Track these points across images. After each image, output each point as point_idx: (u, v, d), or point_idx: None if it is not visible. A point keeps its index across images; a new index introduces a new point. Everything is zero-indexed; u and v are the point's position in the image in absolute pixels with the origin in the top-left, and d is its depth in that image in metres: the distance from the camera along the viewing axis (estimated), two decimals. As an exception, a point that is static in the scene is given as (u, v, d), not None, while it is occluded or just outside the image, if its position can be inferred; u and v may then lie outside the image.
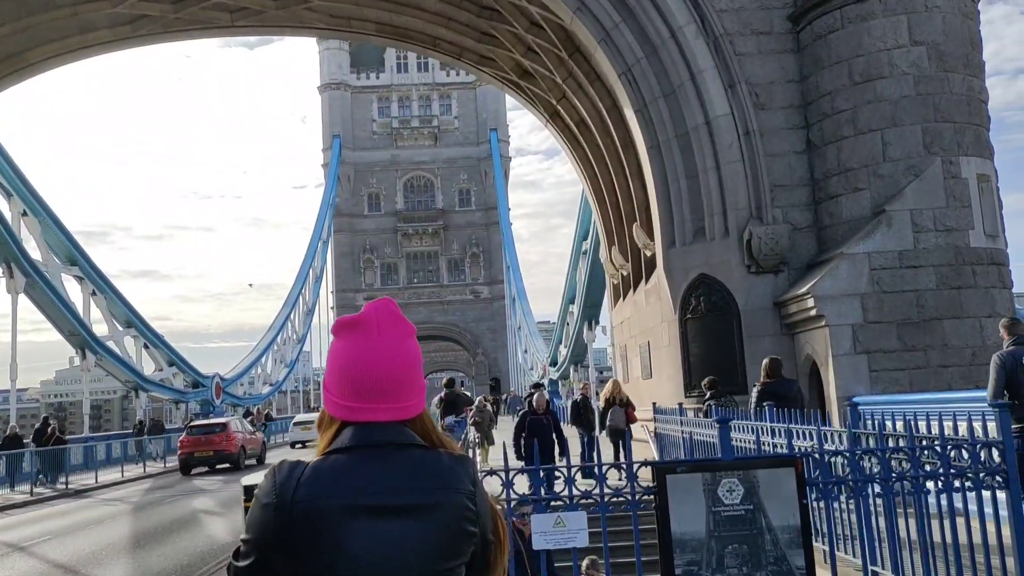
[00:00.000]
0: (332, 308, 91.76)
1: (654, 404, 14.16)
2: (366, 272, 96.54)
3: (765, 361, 11.27)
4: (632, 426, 17.39)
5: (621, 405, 18.53)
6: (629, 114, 16.09)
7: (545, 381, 43.90)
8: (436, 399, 19.17)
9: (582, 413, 16.13)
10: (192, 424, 30.32)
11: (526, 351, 65.47)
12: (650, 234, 16.84)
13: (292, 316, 77.83)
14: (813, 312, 13.09)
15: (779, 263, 14.41)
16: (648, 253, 16.93)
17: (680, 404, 14.12)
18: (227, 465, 26.69)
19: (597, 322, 38.05)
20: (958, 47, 13.67)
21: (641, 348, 17.55)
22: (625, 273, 19.12)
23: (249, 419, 47.60)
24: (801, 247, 14.49)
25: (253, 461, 28.31)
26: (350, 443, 1.68)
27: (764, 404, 10.31)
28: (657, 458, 13.27)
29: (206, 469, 27.14)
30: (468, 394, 23.08)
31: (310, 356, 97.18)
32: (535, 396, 12.48)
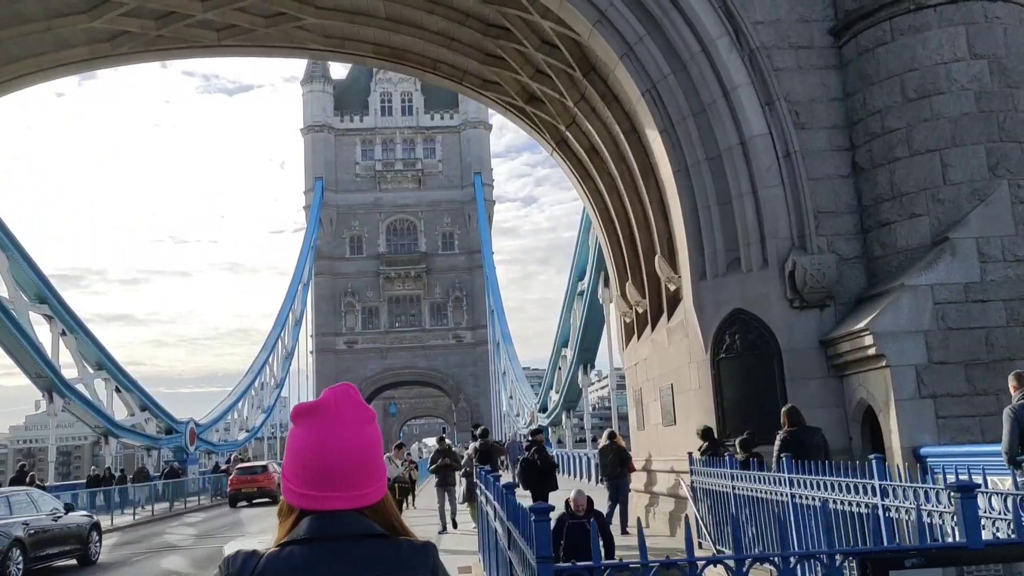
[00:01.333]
0: (312, 352, 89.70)
1: (690, 455, 12.60)
2: (347, 316, 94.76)
3: (784, 410, 10.88)
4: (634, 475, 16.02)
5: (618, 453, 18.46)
6: (653, 135, 14.76)
7: (540, 426, 42.18)
8: (471, 447, 18.02)
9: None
10: (240, 466, 38.36)
11: (511, 397, 63.61)
12: (674, 266, 15.43)
13: (270, 360, 75.74)
14: (872, 351, 11.66)
15: (825, 297, 13.00)
16: (672, 287, 15.50)
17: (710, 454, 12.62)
18: (267, 499, 33.40)
19: (593, 366, 36.52)
20: (1021, 61, 12.48)
21: (663, 392, 16.02)
22: (641, 310, 17.66)
23: (224, 469, 45.48)
24: (848, 280, 13.11)
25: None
26: (306, 534, 1.68)
27: (783, 455, 9.51)
28: (697, 515, 11.69)
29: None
30: (501, 443, 21.73)
31: (287, 401, 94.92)
32: (573, 495, 10.09)
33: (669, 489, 14.73)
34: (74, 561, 16.63)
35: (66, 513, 16.22)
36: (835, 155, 13.46)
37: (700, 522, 11.78)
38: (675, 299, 15.83)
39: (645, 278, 17.36)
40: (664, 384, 15.94)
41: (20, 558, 14.05)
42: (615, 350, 32.13)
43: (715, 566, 3.58)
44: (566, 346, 40.04)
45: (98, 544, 17.52)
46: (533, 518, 4.39)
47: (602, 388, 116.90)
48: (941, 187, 12.21)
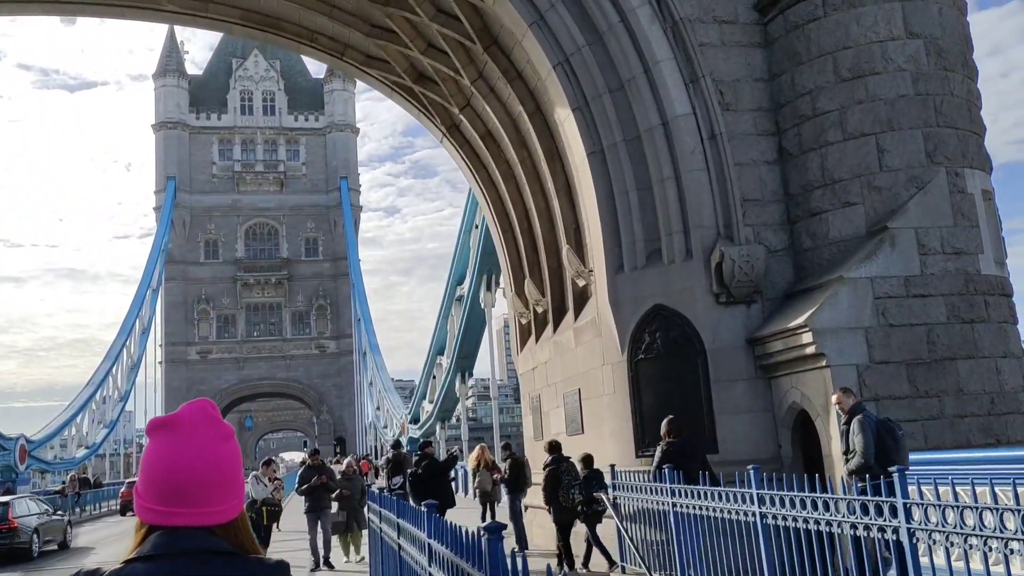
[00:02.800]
0: (161, 363, 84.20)
1: (612, 467, 11.21)
2: (200, 324, 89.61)
3: (665, 421, 10.78)
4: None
5: (488, 468, 18.50)
6: (564, 114, 13.40)
7: (404, 439, 40.16)
8: (383, 460, 16.10)
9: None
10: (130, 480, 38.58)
11: (379, 408, 61.20)
12: (583, 259, 14.09)
13: (114, 371, 70.37)
14: (810, 350, 10.62)
15: (753, 292, 11.94)
16: (580, 283, 14.14)
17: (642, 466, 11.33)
18: None
19: (471, 374, 34.97)
20: (955, 44, 11.84)
21: (567, 398, 14.63)
22: (541, 309, 16.24)
23: (60, 490, 41.19)
24: (775, 274, 12.10)
25: (54, 546, 23.17)
26: (151, 551, 1.64)
27: (664, 466, 9.75)
28: (622, 530, 10.31)
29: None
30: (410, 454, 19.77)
31: (133, 416, 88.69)
32: None
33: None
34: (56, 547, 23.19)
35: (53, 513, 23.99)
36: (760, 140, 12.47)
37: (629, 542, 10.40)
38: (583, 296, 14.50)
39: (546, 274, 15.96)
40: (569, 389, 14.55)
41: (38, 540, 21.68)
42: (496, 358, 30.73)
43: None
44: (442, 354, 38.30)
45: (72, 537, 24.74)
46: (484, 538, 3.73)
47: (468, 399, 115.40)
48: (877, 173, 11.36)
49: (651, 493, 9.49)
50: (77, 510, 39.35)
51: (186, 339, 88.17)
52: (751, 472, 7.84)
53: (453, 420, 41.52)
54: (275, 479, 15.43)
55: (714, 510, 8.26)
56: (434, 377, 40.02)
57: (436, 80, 17.26)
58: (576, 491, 12.41)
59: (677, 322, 12.10)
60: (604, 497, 10.99)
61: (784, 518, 7.43)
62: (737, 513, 8.04)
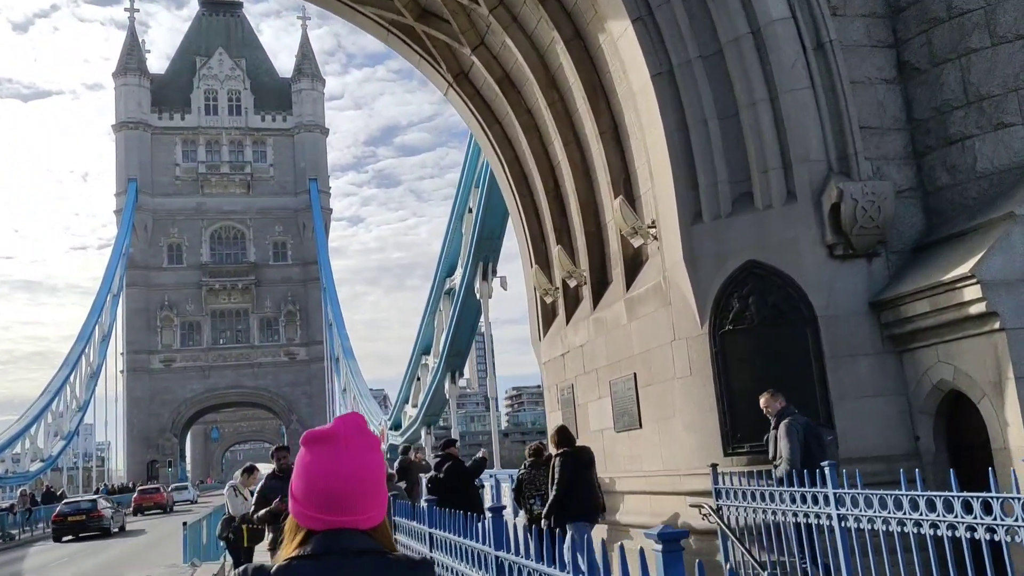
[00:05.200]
0: (122, 371, 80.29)
1: (714, 467, 8.49)
2: (163, 331, 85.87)
3: (556, 429, 10.44)
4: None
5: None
6: (619, 29, 10.72)
7: (384, 447, 37.16)
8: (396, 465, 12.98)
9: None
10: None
11: (354, 416, 58.00)
12: (639, 212, 11.39)
13: (72, 380, 66.56)
14: (976, 309, 8.01)
15: (877, 242, 9.33)
16: (636, 243, 11.43)
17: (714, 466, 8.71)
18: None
19: (461, 374, 32.17)
20: None
21: (615, 386, 11.92)
22: (574, 283, 13.52)
23: (9, 507, 37.80)
24: (900, 221, 9.50)
25: None
26: (314, 550, 1.82)
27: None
28: (738, 559, 7.61)
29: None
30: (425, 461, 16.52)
31: (93, 428, 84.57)
32: None
33: (655, 520, 10.56)
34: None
35: None
36: (876, 52, 9.88)
37: (742, 569, 7.70)
38: (636, 260, 11.80)
39: (580, 240, 13.25)
40: (618, 375, 11.84)
41: None
42: (488, 351, 27.95)
43: None
44: (428, 353, 35.37)
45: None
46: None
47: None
48: (1042, 84, 8.81)
49: (799, 502, 6.78)
50: (27, 529, 35.91)
51: (149, 347, 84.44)
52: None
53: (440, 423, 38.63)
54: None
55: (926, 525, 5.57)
56: (418, 379, 37.13)
57: (443, 16, 14.54)
58: (536, 502, 10.60)
59: (777, 282, 9.44)
60: (704, 507, 8.27)
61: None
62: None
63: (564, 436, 9.96)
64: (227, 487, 11.54)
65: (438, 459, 10.87)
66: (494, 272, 26.35)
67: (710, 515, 8.09)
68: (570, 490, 9.64)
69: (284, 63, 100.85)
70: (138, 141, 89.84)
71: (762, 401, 8.53)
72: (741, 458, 9.28)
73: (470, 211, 27.33)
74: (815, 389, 9.19)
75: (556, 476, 9.60)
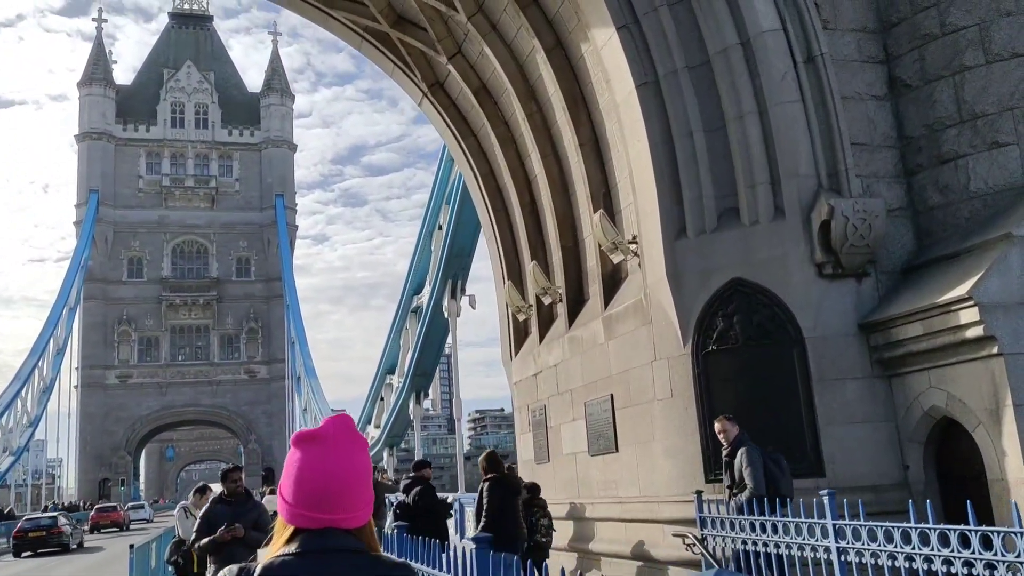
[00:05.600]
0: (76, 387, 78.26)
1: (699, 494, 8.04)
2: (121, 346, 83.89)
3: (485, 455, 9.72)
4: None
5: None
6: (602, 38, 10.37)
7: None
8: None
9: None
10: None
11: (314, 437, 56.86)
12: (619, 227, 10.99)
13: (24, 394, 64.65)
14: (973, 333, 7.69)
15: (867, 261, 9.02)
16: (616, 259, 11.04)
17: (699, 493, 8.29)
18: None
19: (427, 394, 31.49)
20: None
21: (591, 407, 11.47)
22: (549, 300, 13.09)
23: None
24: (890, 240, 9.21)
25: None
26: (300, 548, 1.84)
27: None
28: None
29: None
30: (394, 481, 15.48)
31: (44, 445, 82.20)
32: None
33: (631, 549, 10.07)
34: None
35: None
36: (866, 68, 9.62)
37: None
38: (615, 277, 11.41)
39: (556, 256, 12.85)
40: (594, 396, 11.39)
41: None
42: (453, 371, 27.39)
43: None
44: (392, 372, 34.60)
45: None
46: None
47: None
48: (1037, 104, 8.59)
49: (794, 533, 6.35)
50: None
51: (105, 362, 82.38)
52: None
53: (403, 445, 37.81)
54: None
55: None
56: (382, 399, 36.30)
57: (419, 24, 14.14)
58: None
59: (763, 300, 9.09)
60: (688, 536, 7.81)
61: None
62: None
63: (492, 462, 9.38)
64: (178, 508, 10.86)
65: (409, 481, 10.28)
66: (463, 290, 25.86)
67: (695, 545, 7.64)
68: (497, 518, 9.00)
69: (253, 79, 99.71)
70: (101, 152, 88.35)
71: (717, 427, 8.22)
72: (724, 485, 8.85)
73: (440, 228, 26.85)
74: (801, 413, 8.82)
75: (484, 504, 9.03)
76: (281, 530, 1.88)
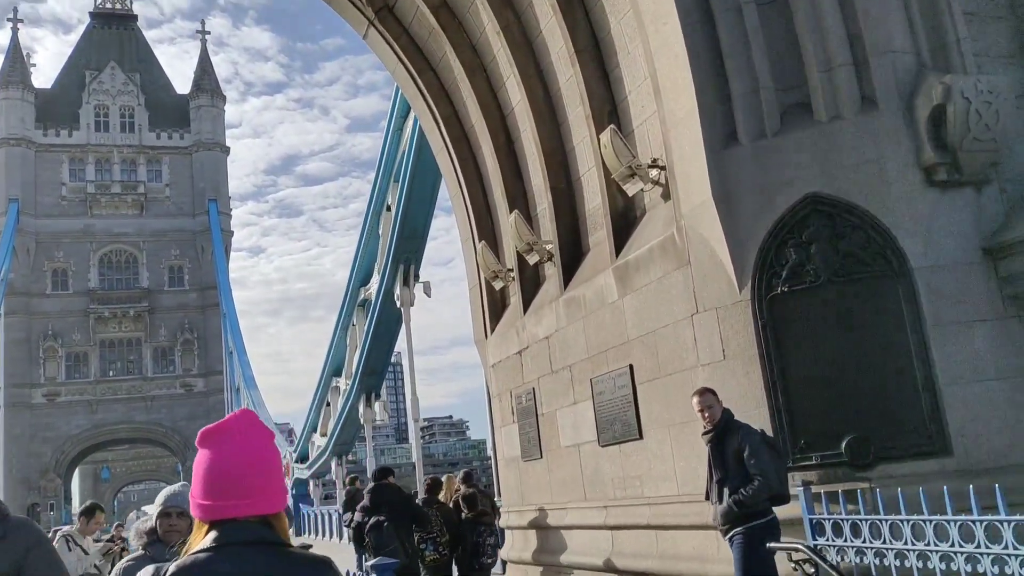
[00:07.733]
0: (-1, 407, 73.32)
1: (807, 484, 5.56)
2: (47, 363, 79.14)
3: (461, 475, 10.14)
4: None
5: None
6: None
7: (290, 482, 33.15)
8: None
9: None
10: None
11: (256, 450, 53.41)
12: (634, 145, 8.50)
13: (-63, 416, 59.97)
14: None
15: (991, 163, 6.67)
16: (631, 191, 8.52)
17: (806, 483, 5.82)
18: None
19: (378, 396, 28.67)
20: None
21: (599, 384, 8.94)
22: (535, 259, 10.53)
23: None
24: (1015, 136, 6.87)
25: None
26: (211, 543, 1.79)
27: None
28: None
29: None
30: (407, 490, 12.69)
31: (-35, 470, 76.97)
32: None
33: (663, 565, 7.53)
34: None
35: None
36: (964, -84, 7.29)
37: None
38: (627, 217, 8.91)
39: (550, 200, 10.28)
40: (606, 370, 8.87)
41: None
42: (408, 367, 24.70)
43: None
44: (339, 374, 31.64)
45: None
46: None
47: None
48: None
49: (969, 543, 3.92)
50: None
51: (30, 380, 77.55)
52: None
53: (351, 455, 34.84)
54: (118, 538, 9.05)
55: None
56: (328, 404, 33.33)
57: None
58: (428, 546, 9.72)
59: (852, 222, 6.67)
60: (800, 549, 5.32)
61: None
62: None
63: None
64: (58, 536, 8.00)
65: (370, 491, 7.78)
66: (416, 277, 23.17)
67: (807, 562, 5.14)
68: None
69: (181, 88, 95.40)
70: (20, 159, 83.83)
71: (699, 402, 6.30)
72: (808, 473, 6.41)
73: (388, 209, 24.14)
74: (914, 371, 6.40)
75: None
76: (197, 531, 1.85)
